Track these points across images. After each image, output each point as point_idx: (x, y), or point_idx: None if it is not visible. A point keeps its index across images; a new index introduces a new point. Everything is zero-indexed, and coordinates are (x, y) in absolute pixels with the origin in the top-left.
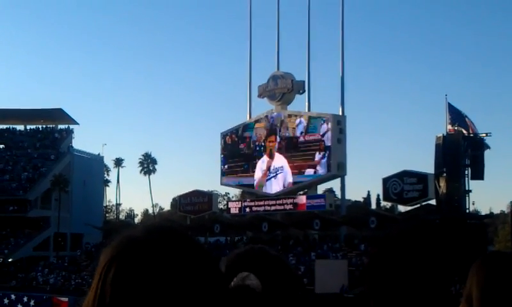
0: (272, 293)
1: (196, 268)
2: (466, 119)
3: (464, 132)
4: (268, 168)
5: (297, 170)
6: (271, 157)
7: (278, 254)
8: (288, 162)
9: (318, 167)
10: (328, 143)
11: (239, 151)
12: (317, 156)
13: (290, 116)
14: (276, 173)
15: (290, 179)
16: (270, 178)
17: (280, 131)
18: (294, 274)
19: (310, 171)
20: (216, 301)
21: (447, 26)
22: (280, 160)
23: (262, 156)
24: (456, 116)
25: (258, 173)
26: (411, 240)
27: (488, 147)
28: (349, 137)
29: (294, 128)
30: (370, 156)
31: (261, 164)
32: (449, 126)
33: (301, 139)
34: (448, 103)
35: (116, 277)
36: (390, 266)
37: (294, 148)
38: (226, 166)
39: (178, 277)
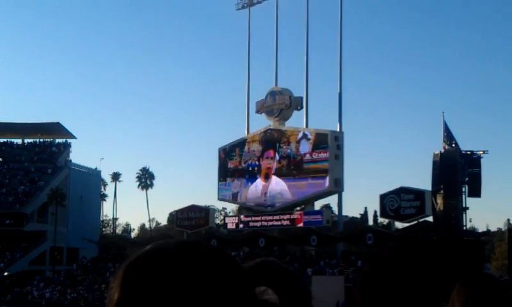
0: None
1: (225, 281)
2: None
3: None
4: (264, 194)
5: (303, 196)
6: (266, 179)
7: (291, 268)
8: (289, 188)
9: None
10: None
11: (231, 169)
12: (327, 181)
13: (291, 130)
14: (273, 202)
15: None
16: (266, 206)
17: (279, 147)
18: (306, 288)
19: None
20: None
21: (444, 44)
22: (278, 185)
23: (256, 177)
24: (450, 135)
25: (251, 195)
26: (403, 258)
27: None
28: (346, 153)
29: (296, 142)
30: (367, 172)
31: (254, 188)
32: (443, 144)
33: (308, 156)
34: (445, 122)
35: (138, 276)
36: (381, 284)
37: (298, 169)
38: (220, 183)
39: (201, 283)
